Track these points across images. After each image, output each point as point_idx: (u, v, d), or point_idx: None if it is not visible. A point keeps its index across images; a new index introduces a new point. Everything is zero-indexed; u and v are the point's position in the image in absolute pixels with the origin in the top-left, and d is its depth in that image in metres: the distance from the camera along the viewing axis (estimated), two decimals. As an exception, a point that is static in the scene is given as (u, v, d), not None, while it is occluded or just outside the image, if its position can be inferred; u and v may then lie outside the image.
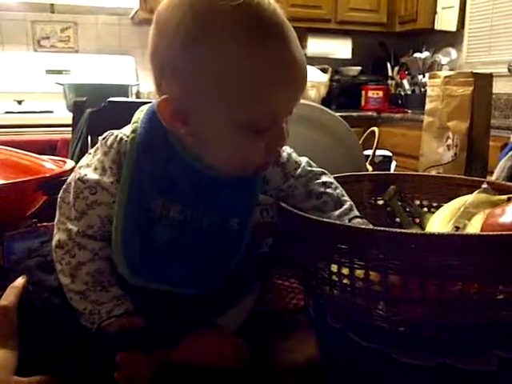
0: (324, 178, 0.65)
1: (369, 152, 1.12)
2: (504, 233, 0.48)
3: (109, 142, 0.54)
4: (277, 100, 0.50)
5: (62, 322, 0.53)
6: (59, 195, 0.56)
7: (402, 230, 0.48)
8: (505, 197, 0.70)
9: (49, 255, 0.57)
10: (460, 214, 0.65)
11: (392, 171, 1.30)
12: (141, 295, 0.55)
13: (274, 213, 0.64)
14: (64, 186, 0.56)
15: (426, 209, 0.79)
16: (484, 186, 0.71)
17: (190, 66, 0.49)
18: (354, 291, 0.53)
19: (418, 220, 0.77)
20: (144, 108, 0.57)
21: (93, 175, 0.54)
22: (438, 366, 0.51)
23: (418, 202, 0.80)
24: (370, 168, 1.08)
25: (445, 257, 0.47)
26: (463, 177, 0.80)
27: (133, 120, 0.56)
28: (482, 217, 0.64)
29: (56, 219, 0.56)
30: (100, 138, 0.56)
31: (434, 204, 0.79)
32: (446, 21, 3.51)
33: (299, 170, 0.64)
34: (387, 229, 0.48)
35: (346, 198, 0.64)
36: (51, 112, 2.89)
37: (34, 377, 0.49)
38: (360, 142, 0.99)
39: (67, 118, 2.01)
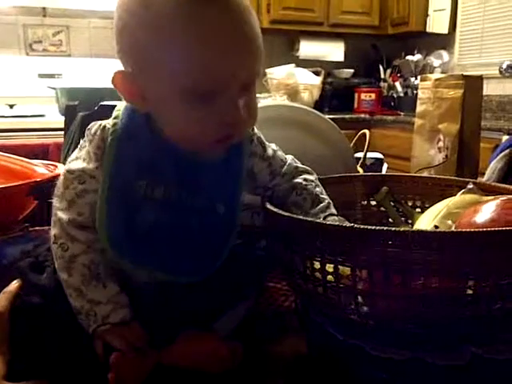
0: (306, 176, 0.66)
1: (360, 154, 1.13)
2: (463, 230, 0.50)
3: (93, 130, 0.56)
4: (216, 64, 0.49)
5: (44, 322, 0.53)
6: (54, 193, 0.57)
7: (369, 227, 0.49)
8: (493, 197, 0.70)
9: (40, 256, 0.58)
10: (443, 214, 0.65)
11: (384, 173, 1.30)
12: (136, 297, 0.55)
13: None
14: (57, 183, 0.57)
15: (419, 209, 0.79)
16: (469, 186, 0.71)
17: (135, 36, 0.50)
18: (326, 286, 0.54)
19: (410, 221, 0.78)
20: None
21: (80, 165, 0.55)
22: (409, 360, 0.51)
23: (410, 203, 0.80)
24: (361, 170, 1.08)
25: (411, 253, 0.48)
26: (456, 178, 0.81)
27: (115, 109, 0.57)
28: None
29: (52, 216, 0.57)
30: (87, 129, 0.57)
31: (427, 205, 0.79)
32: (437, 23, 3.53)
33: (285, 167, 0.65)
34: (355, 225, 0.49)
35: (325, 196, 0.65)
36: (43, 116, 2.88)
37: (24, 382, 0.49)
38: (351, 144, 0.99)
39: (59, 121, 2.00)
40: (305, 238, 0.55)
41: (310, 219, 0.56)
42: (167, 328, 0.53)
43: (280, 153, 0.65)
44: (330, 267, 0.53)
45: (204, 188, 0.58)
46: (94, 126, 0.56)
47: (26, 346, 0.52)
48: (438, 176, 0.85)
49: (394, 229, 0.50)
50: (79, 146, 0.58)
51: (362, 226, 0.49)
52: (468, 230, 0.54)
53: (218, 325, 0.57)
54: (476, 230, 0.52)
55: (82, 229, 0.54)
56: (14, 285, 0.57)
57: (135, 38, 0.50)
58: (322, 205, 0.64)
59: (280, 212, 0.57)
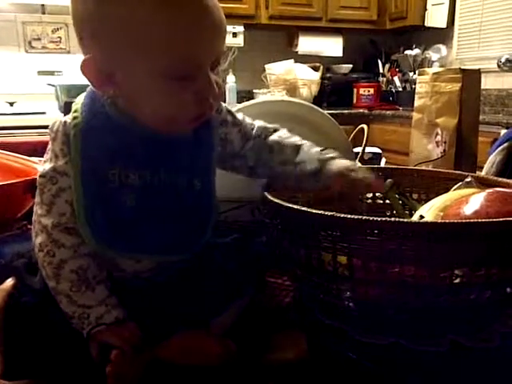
0: (279, 131, 0.66)
1: (358, 149, 1.13)
2: (448, 221, 0.51)
3: (55, 128, 0.56)
4: (191, 44, 0.50)
5: (37, 323, 0.53)
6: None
7: (358, 217, 0.50)
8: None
9: (33, 256, 0.57)
10: (439, 206, 0.66)
11: (382, 168, 1.30)
12: (131, 294, 0.55)
13: (265, 210, 0.65)
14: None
15: (424, 202, 0.79)
16: (467, 179, 0.72)
17: (103, 21, 0.50)
18: (322, 274, 0.56)
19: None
20: (87, 89, 0.58)
21: (48, 165, 0.55)
22: (389, 345, 0.53)
23: (415, 196, 0.80)
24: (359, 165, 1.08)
25: (398, 242, 0.50)
26: (461, 172, 0.81)
27: (74, 103, 0.57)
28: None
29: (33, 226, 0.56)
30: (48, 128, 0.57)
31: (432, 198, 0.78)
32: (435, 18, 3.53)
33: (255, 129, 0.65)
34: (348, 215, 0.51)
35: (304, 141, 0.66)
36: (43, 113, 2.88)
37: (18, 381, 0.49)
38: (350, 139, 1.00)
39: (59, 119, 2.00)
40: (299, 226, 0.57)
41: (304, 209, 0.55)
42: (164, 325, 0.54)
43: (248, 119, 0.66)
44: (327, 256, 0.54)
45: (179, 166, 0.58)
46: (55, 123, 0.56)
47: (20, 345, 0.52)
48: (443, 170, 0.86)
49: (373, 219, 0.50)
50: (46, 150, 0.57)
51: (351, 216, 0.51)
52: (437, 221, 0.57)
53: (216, 321, 0.57)
54: (446, 221, 0.54)
55: (67, 233, 0.54)
56: (9, 283, 0.56)
57: (108, 20, 0.50)
58: (304, 148, 0.65)
59: (277, 201, 0.58)
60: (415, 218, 0.68)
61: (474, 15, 3.38)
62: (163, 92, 0.52)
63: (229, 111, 0.64)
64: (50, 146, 0.56)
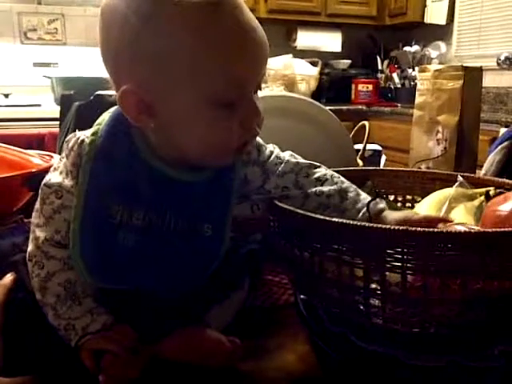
0: (315, 172, 0.62)
1: (359, 146, 1.12)
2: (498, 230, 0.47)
3: (70, 145, 0.54)
4: (239, 69, 0.49)
5: (35, 317, 0.52)
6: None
7: (395, 227, 0.47)
8: (482, 190, 0.70)
9: None
10: (446, 209, 0.65)
11: (382, 165, 1.30)
12: (122, 296, 0.54)
13: (264, 207, 0.63)
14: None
15: (399, 204, 0.80)
16: (460, 179, 0.72)
17: (144, 50, 0.47)
18: (354, 290, 0.52)
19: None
20: (112, 109, 0.56)
21: (57, 178, 0.54)
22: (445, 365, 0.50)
23: (392, 198, 0.80)
24: (360, 162, 1.07)
25: (468, 255, 0.47)
26: (437, 171, 0.82)
27: (97, 121, 0.55)
28: (461, 209, 0.65)
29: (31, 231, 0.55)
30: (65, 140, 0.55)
31: (408, 198, 0.80)
32: (435, 14, 3.52)
33: (282, 166, 0.61)
34: (398, 227, 0.47)
35: (347, 184, 0.62)
36: (39, 105, 2.86)
37: (16, 377, 0.48)
38: (350, 136, 0.99)
39: (55, 111, 1.98)
40: (330, 240, 0.53)
41: (335, 220, 0.50)
42: (158, 321, 0.53)
43: (276, 151, 0.62)
44: (359, 272, 0.51)
45: (189, 210, 0.55)
46: (73, 139, 0.54)
47: (19, 341, 0.51)
48: (421, 170, 0.86)
49: (449, 230, 0.48)
50: (60, 157, 0.56)
51: (416, 229, 0.46)
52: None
53: (209, 317, 0.56)
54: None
55: (58, 246, 0.52)
56: (9, 278, 0.55)
57: (150, 49, 0.47)
58: (350, 195, 0.60)
59: (294, 210, 0.54)
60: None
61: (474, 12, 3.37)
62: (208, 121, 0.50)
63: (256, 146, 0.60)
64: (63, 160, 0.54)
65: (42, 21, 3.32)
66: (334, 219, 0.51)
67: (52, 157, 0.97)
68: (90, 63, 3.26)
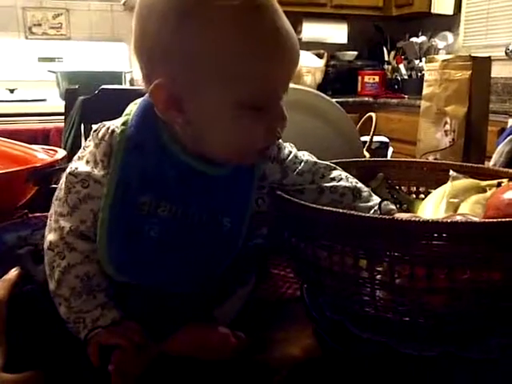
0: (332, 173, 0.63)
1: (366, 138, 1.11)
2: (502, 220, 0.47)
3: (100, 134, 0.53)
4: (272, 73, 0.50)
5: (39, 312, 0.52)
6: (55, 195, 0.55)
7: (404, 218, 0.47)
8: (495, 182, 0.69)
9: (39, 244, 0.56)
10: (448, 201, 0.64)
11: (389, 157, 1.29)
12: (133, 292, 0.54)
13: (269, 201, 0.63)
14: (58, 185, 0.55)
15: (414, 195, 0.79)
16: (451, 173, 0.72)
17: (182, 45, 0.48)
18: (358, 281, 0.52)
19: (405, 206, 0.77)
20: (138, 101, 0.56)
21: (84, 168, 0.53)
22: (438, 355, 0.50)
23: (405, 189, 0.79)
24: (367, 154, 1.06)
25: (457, 245, 0.47)
26: (450, 162, 0.80)
27: (125, 112, 0.55)
28: (471, 201, 0.65)
29: (49, 219, 0.54)
30: (92, 129, 0.54)
31: (422, 190, 0.79)
32: (442, 4, 3.48)
33: (301, 165, 0.62)
34: (393, 217, 0.49)
35: (361, 184, 0.63)
36: (44, 100, 2.87)
37: (20, 373, 0.48)
38: (357, 127, 0.98)
39: (60, 106, 1.98)
40: (329, 230, 0.53)
41: (341, 211, 0.51)
42: (167, 318, 0.52)
43: (294, 151, 0.63)
44: (363, 263, 0.51)
45: (212, 203, 0.56)
46: (102, 128, 0.53)
47: (22, 337, 0.51)
48: (433, 161, 0.85)
49: (441, 220, 0.47)
50: (83, 146, 0.55)
51: (398, 219, 0.47)
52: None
53: (218, 312, 0.56)
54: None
55: (82, 238, 0.52)
56: (14, 273, 0.55)
57: (185, 46, 0.48)
58: (364, 194, 0.62)
59: (302, 202, 0.54)
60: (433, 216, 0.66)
61: (482, 2, 3.34)
62: (236, 122, 0.50)
63: (277, 144, 0.61)
64: (91, 148, 0.54)
65: (46, 16, 3.32)
66: (324, 208, 0.51)
67: (56, 151, 0.96)
68: (94, 58, 3.27)
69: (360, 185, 0.63)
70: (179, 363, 0.51)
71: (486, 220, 0.48)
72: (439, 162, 0.80)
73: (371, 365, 0.53)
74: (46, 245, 0.53)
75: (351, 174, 0.65)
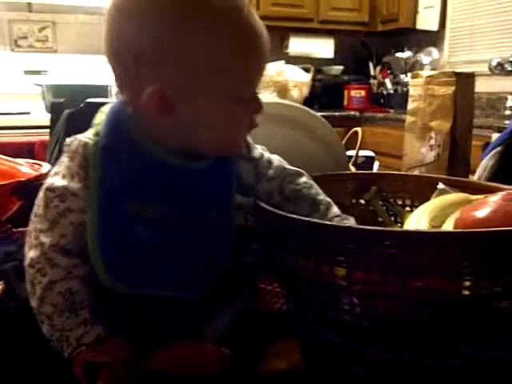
0: (298, 180, 0.64)
1: (352, 152, 1.12)
2: (463, 230, 0.49)
3: (73, 147, 0.53)
4: (255, 69, 0.54)
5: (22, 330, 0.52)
6: (32, 212, 0.54)
7: (365, 227, 0.49)
8: (483, 196, 0.70)
9: (23, 260, 0.55)
10: (434, 215, 0.65)
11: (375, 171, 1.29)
12: (123, 306, 0.53)
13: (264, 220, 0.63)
14: (36, 201, 0.54)
15: (408, 208, 0.79)
16: (439, 186, 0.72)
17: (179, 49, 0.49)
18: (321, 286, 0.53)
19: (400, 220, 0.77)
20: (104, 109, 0.56)
21: (61, 182, 0.53)
22: (401, 360, 0.51)
23: (400, 202, 0.79)
24: (353, 169, 1.07)
25: (408, 254, 0.48)
26: (445, 176, 0.80)
27: (94, 122, 0.55)
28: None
29: (28, 237, 0.54)
30: (65, 143, 0.54)
31: (416, 203, 0.78)
32: (427, 20, 3.54)
33: (272, 170, 0.63)
34: (354, 226, 0.50)
35: (322, 196, 0.63)
36: (29, 113, 2.85)
37: None
38: (343, 142, 0.98)
39: (45, 119, 1.97)
40: (299, 237, 0.55)
41: (305, 219, 0.53)
42: (155, 335, 0.52)
43: (267, 154, 0.64)
44: (326, 268, 0.52)
45: (196, 196, 0.56)
46: (74, 141, 0.53)
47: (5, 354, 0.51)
48: (428, 175, 0.85)
49: (390, 229, 0.48)
50: (58, 162, 0.55)
51: (359, 227, 0.49)
52: (465, 230, 0.54)
53: (207, 328, 0.56)
54: (470, 230, 0.51)
55: (63, 253, 0.51)
56: None
57: (179, 49, 0.49)
58: (321, 208, 0.62)
59: (274, 210, 0.56)
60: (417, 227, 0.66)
61: (466, 18, 3.40)
62: (228, 115, 0.54)
63: (246, 144, 0.62)
64: (65, 163, 0.53)
65: (32, 28, 3.31)
66: (289, 215, 0.54)
67: (41, 165, 0.95)
68: (80, 71, 3.26)
69: (320, 197, 0.63)
70: (165, 379, 0.50)
71: (436, 231, 0.50)
72: (435, 176, 0.80)
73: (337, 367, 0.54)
74: (26, 262, 0.52)
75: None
